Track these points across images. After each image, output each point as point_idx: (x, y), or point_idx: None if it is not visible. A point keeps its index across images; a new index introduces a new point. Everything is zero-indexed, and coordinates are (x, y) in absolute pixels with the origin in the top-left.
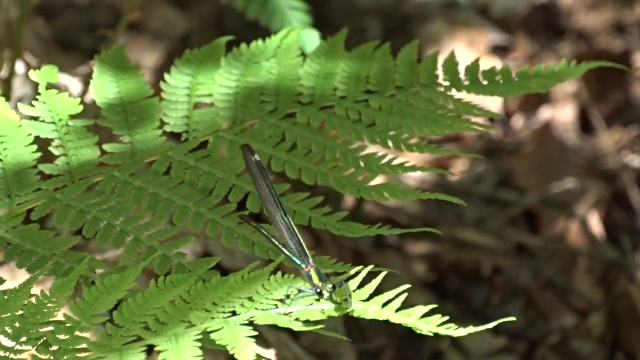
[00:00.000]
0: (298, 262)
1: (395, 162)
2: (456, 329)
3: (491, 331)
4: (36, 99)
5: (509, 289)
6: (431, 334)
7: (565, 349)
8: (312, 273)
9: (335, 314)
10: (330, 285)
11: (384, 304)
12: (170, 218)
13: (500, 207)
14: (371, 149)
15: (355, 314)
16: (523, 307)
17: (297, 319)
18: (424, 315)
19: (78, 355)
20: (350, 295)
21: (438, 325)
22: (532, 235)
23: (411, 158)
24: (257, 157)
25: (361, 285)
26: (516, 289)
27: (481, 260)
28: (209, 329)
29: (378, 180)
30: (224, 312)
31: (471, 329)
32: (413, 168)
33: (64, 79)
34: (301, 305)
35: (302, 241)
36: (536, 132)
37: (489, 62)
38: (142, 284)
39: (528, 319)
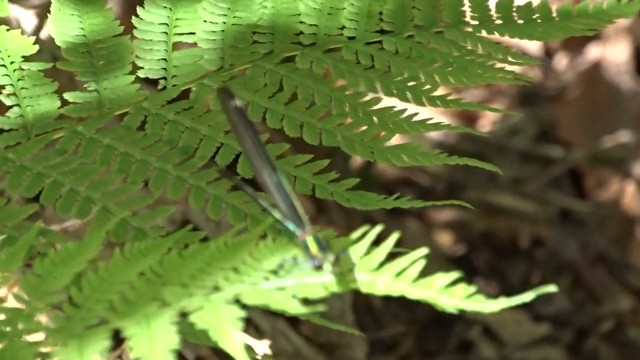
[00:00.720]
0: (292, 228)
1: (415, 118)
2: (484, 301)
3: (531, 317)
4: None
5: (552, 264)
6: (456, 312)
7: (620, 338)
8: (310, 241)
9: (338, 289)
10: (331, 255)
11: (398, 274)
12: (145, 183)
13: (540, 165)
14: (386, 101)
15: (362, 289)
16: (569, 287)
17: (293, 296)
18: (447, 287)
19: (29, 342)
20: (355, 266)
21: (464, 299)
22: (579, 199)
23: (432, 109)
24: (237, 102)
25: (369, 252)
26: (561, 264)
27: (518, 230)
28: (186, 309)
29: (394, 138)
30: (204, 288)
31: (504, 302)
32: (437, 126)
33: (15, 11)
34: (297, 279)
35: (296, 203)
36: (583, 74)
37: None
38: (107, 258)
39: (575, 302)
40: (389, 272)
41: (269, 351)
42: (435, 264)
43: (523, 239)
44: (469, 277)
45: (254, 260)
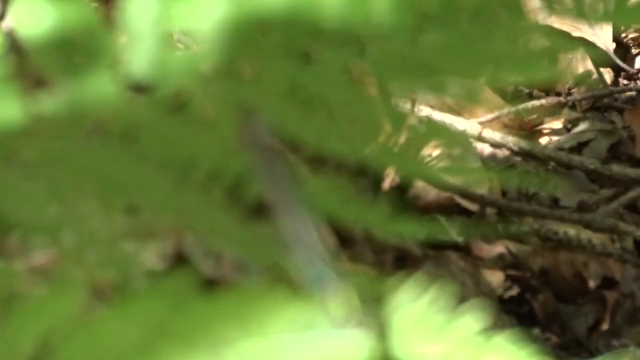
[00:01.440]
0: (315, 280)
1: (463, 127)
2: None
3: None
4: None
5: (626, 309)
6: None
7: None
8: (337, 296)
9: None
10: (365, 314)
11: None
12: (128, 208)
13: (612, 187)
14: (425, 106)
15: None
16: None
17: None
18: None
19: None
20: (391, 331)
21: None
22: None
23: (480, 118)
24: (259, 119)
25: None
26: (636, 309)
27: (584, 267)
28: None
29: (434, 149)
30: (210, 353)
31: None
32: (493, 136)
33: None
34: (319, 347)
35: (323, 244)
36: None
37: None
38: (89, 310)
39: None
40: (446, 342)
41: None
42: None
43: (591, 279)
44: (524, 323)
45: (268, 320)
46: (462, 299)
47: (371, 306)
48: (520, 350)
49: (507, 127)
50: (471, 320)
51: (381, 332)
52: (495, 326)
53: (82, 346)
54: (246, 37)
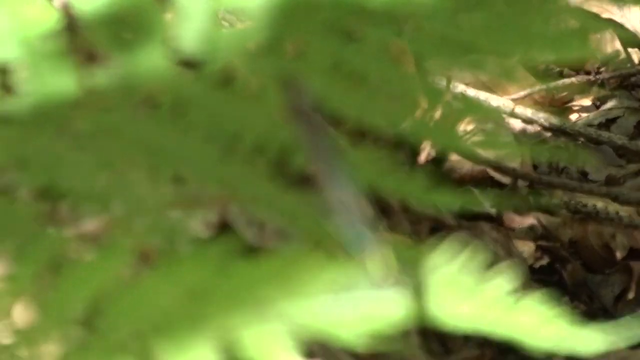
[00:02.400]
0: (356, 241)
1: (497, 103)
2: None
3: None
4: None
5: None
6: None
7: None
8: (374, 257)
9: (409, 323)
10: (399, 276)
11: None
12: (177, 178)
13: None
14: (460, 83)
15: (443, 325)
16: None
17: (353, 328)
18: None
19: None
20: (427, 291)
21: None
22: None
23: (513, 95)
24: (304, 93)
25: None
26: None
27: (612, 238)
28: (230, 335)
29: (468, 124)
30: (251, 314)
31: (609, 341)
32: (525, 112)
33: None
34: (358, 307)
35: (363, 212)
36: None
37: None
38: (136, 273)
39: None
40: (478, 301)
41: None
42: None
43: (618, 250)
44: (554, 291)
45: (308, 282)
46: (493, 267)
47: (407, 269)
48: (549, 311)
49: (539, 104)
50: (502, 282)
51: (417, 292)
52: (526, 292)
53: (128, 307)
54: (292, 15)
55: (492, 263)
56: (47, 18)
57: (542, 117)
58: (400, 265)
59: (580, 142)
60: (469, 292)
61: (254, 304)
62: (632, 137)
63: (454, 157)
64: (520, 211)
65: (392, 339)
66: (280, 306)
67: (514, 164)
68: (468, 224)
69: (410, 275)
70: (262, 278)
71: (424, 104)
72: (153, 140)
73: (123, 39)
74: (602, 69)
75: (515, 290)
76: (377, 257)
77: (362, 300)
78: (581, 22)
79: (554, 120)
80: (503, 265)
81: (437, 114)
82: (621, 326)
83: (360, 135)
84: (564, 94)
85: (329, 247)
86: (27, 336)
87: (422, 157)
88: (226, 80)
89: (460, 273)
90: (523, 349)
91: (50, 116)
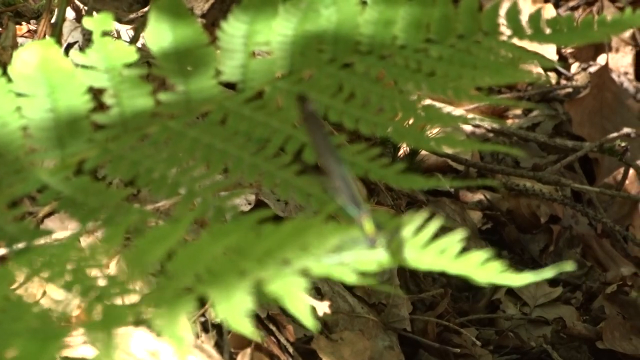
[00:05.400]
0: (352, 211)
1: (454, 112)
2: (514, 276)
3: (548, 280)
4: (89, 47)
5: (566, 237)
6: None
7: (622, 298)
8: (366, 223)
9: (389, 265)
10: (384, 235)
11: (440, 252)
12: (224, 169)
13: (556, 154)
14: (430, 100)
15: (410, 265)
16: (580, 256)
17: (351, 270)
18: (482, 264)
19: (127, 305)
20: (404, 245)
21: (497, 274)
22: (589, 183)
23: (465, 107)
24: (313, 107)
25: (416, 233)
26: (573, 237)
27: (537, 208)
28: (261, 279)
29: (435, 131)
30: (276, 262)
31: (529, 278)
32: (474, 119)
33: (115, 26)
34: (355, 256)
35: (357, 191)
36: (592, 78)
37: (548, 11)
38: (195, 236)
39: (585, 268)
40: (433, 251)
41: (328, 310)
42: (469, 237)
43: (542, 216)
44: (496, 247)
45: (319, 239)
46: (452, 230)
47: (391, 231)
48: (488, 258)
49: (484, 113)
50: (456, 238)
51: (397, 246)
52: (474, 248)
53: (190, 260)
54: (305, 51)
55: (451, 227)
56: (130, 55)
57: (486, 122)
58: (385, 228)
59: (514, 140)
60: (433, 245)
61: (280, 258)
62: (550, 136)
63: (423, 152)
64: (471, 190)
65: (380, 281)
66: (299, 259)
67: (467, 156)
68: (434, 199)
69: (393, 235)
70: (287, 239)
71: (401, 114)
72: (207, 141)
73: (185, 70)
74: (529, 88)
75: (466, 244)
76: (369, 223)
77: (359, 251)
78: (514, 54)
79: (495, 124)
80: (459, 228)
81: (411, 121)
82: (544, 270)
83: (355, 136)
84: (502, 106)
85: (335, 216)
86: (118, 280)
87: (401, 152)
88: (258, 97)
89: (426, 234)
90: (473, 288)
91: (133, 125)
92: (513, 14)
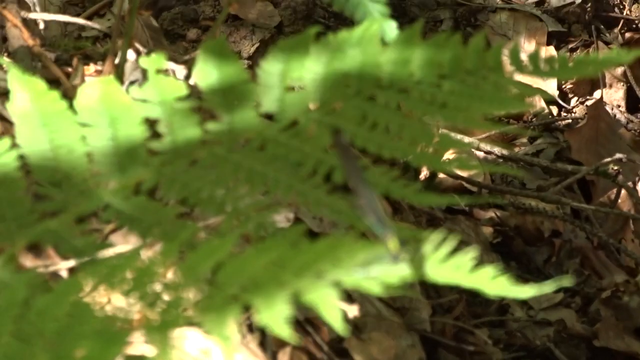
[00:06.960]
0: (378, 229)
1: (468, 140)
2: (519, 289)
3: None
4: (146, 83)
5: (566, 249)
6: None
7: (616, 303)
8: (391, 241)
9: (411, 279)
10: (407, 251)
11: (457, 268)
12: (264, 189)
13: (558, 177)
14: (444, 128)
15: (429, 279)
16: (578, 266)
17: (377, 283)
18: (493, 279)
19: (182, 312)
20: (424, 260)
21: (506, 288)
22: (587, 202)
23: (478, 136)
24: (345, 137)
25: (435, 250)
26: (572, 249)
27: (541, 224)
28: (299, 290)
29: (451, 155)
30: (312, 274)
31: (532, 291)
32: (486, 146)
33: (171, 65)
34: (381, 270)
35: (382, 210)
36: (589, 107)
37: (548, 50)
38: (240, 248)
39: (583, 277)
40: (450, 266)
41: (358, 313)
42: (482, 250)
43: (545, 231)
44: (505, 258)
45: (349, 255)
46: (467, 244)
47: (413, 246)
48: (498, 273)
49: (494, 141)
50: (468, 257)
51: (418, 260)
52: (486, 259)
53: (236, 271)
54: (334, 86)
55: (466, 241)
56: (180, 90)
57: (496, 149)
58: (408, 244)
59: (520, 164)
60: (450, 262)
61: (315, 271)
62: (552, 161)
63: (441, 175)
64: (483, 208)
65: (403, 289)
66: (332, 273)
67: (479, 178)
68: (451, 217)
69: (415, 250)
70: (321, 255)
71: (421, 141)
72: (248, 165)
73: (229, 103)
74: (534, 119)
75: (479, 258)
76: (394, 240)
77: (384, 266)
78: (519, 89)
79: (504, 151)
80: (473, 242)
81: (430, 148)
82: (545, 284)
83: (381, 161)
84: (510, 134)
85: (363, 233)
86: (173, 288)
87: (422, 175)
88: (292, 126)
89: (443, 253)
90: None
91: (184, 151)
92: (515, 53)
